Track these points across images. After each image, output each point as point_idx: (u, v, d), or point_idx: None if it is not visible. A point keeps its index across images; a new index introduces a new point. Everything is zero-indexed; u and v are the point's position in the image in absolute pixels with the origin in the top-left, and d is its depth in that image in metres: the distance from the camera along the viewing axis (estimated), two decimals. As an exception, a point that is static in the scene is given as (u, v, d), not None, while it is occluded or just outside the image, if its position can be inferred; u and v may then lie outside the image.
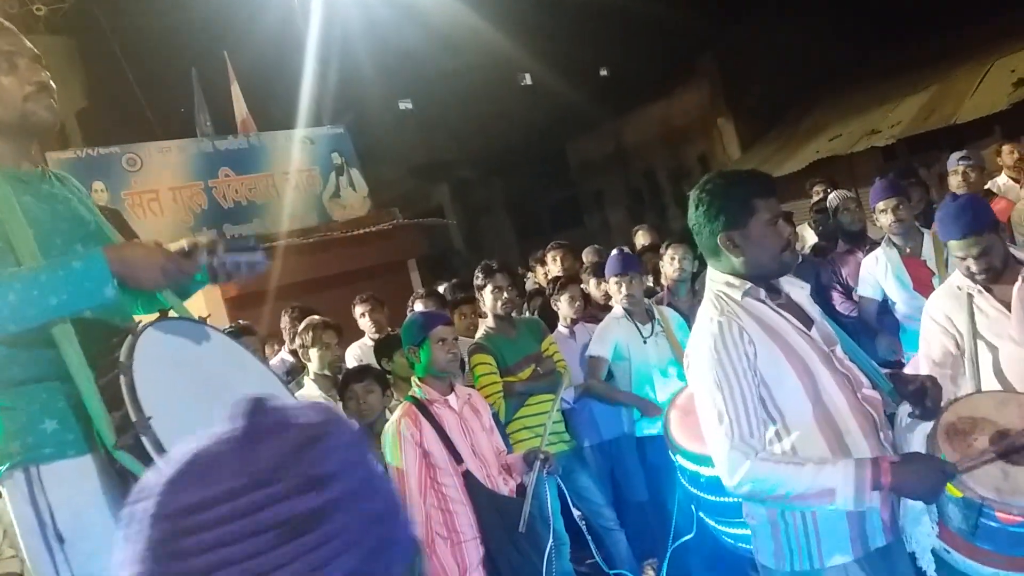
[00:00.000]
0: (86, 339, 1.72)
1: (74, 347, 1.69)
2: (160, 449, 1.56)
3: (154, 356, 1.69)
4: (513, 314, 4.38)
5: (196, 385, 1.80)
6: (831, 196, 5.40)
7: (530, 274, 7.43)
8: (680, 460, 2.96)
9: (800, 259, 5.07)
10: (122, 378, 1.60)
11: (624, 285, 4.25)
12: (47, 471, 1.71)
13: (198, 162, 8.30)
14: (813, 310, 2.16)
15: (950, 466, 1.88)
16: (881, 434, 2.04)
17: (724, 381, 1.96)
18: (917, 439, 1.98)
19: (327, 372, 4.00)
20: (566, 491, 3.64)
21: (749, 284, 2.06)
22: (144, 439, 1.56)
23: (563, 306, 4.61)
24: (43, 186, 1.87)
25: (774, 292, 2.13)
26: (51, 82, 1.86)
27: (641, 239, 6.54)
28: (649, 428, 4.07)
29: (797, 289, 2.17)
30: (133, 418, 1.57)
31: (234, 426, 0.69)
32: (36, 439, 1.72)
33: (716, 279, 2.13)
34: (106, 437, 1.61)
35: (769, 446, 2.01)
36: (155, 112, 10.97)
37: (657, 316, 4.31)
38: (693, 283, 4.81)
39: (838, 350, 2.10)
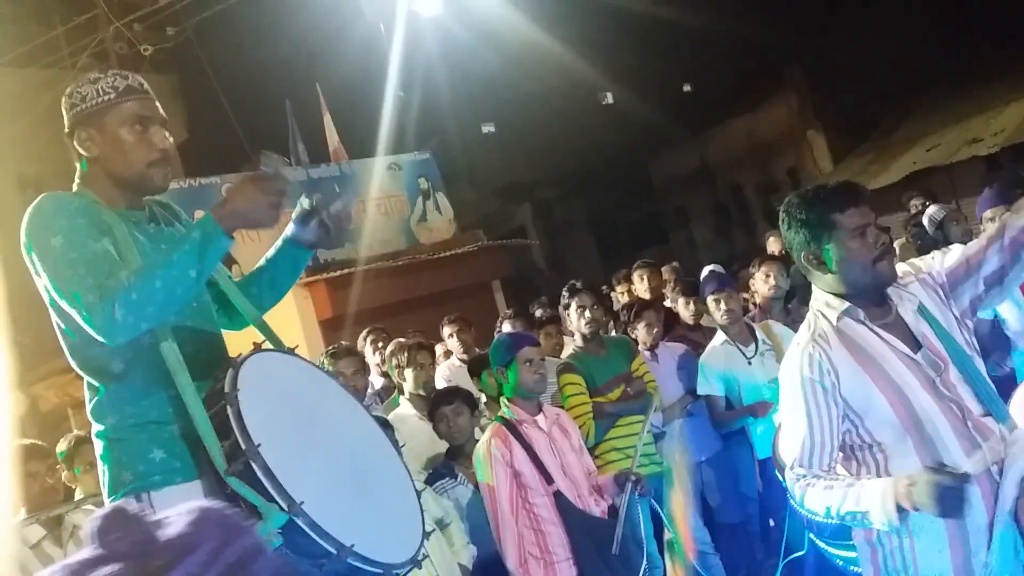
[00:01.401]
0: (192, 373, 1.81)
1: (187, 378, 1.79)
2: (269, 474, 1.63)
3: (255, 386, 1.76)
4: (602, 333, 4.37)
5: (293, 411, 1.88)
6: (932, 209, 5.20)
7: (613, 293, 7.37)
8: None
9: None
10: (229, 408, 1.68)
11: (723, 301, 4.19)
12: (158, 497, 1.81)
13: (293, 190, 8.47)
14: (925, 328, 2.01)
15: (957, 477, 1.74)
16: (994, 467, 1.91)
17: (796, 408, 2.00)
18: (1012, 475, 1.86)
19: (421, 392, 4.08)
20: (661, 513, 3.59)
21: (848, 305, 1.99)
22: (254, 465, 1.63)
23: (641, 333, 4.51)
24: (150, 227, 2.00)
25: (880, 309, 2.01)
26: (172, 150, 2.00)
27: (773, 245, 6.38)
28: (765, 451, 4.00)
29: (906, 306, 2.03)
30: (243, 446, 1.64)
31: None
32: (146, 467, 1.83)
33: (818, 298, 2.09)
34: (218, 464, 1.69)
35: (863, 466, 1.99)
36: (252, 143, 11.47)
37: (762, 335, 4.22)
38: (787, 301, 4.69)
39: (950, 374, 1.96)
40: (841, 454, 2.04)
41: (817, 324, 2.03)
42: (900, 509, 1.80)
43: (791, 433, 2.01)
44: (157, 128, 1.95)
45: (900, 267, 2.07)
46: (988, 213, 3.92)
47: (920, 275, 2.07)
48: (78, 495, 3.63)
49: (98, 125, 1.91)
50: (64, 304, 1.78)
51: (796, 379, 2.00)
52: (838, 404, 1.96)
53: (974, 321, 2.08)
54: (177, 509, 0.72)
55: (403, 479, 2.04)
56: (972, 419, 1.93)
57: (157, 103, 1.99)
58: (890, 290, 2.03)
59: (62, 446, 3.65)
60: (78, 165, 1.98)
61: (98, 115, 1.90)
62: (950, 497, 1.72)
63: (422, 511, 1.99)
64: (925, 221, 5.37)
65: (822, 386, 1.96)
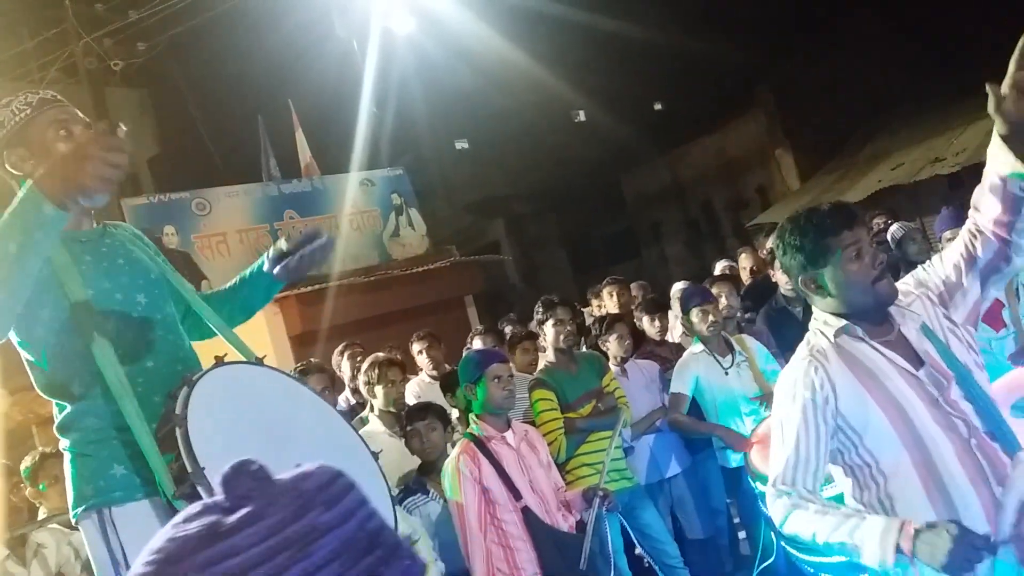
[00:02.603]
0: (148, 391, 1.82)
1: (133, 404, 1.78)
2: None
3: (209, 405, 1.75)
4: (573, 349, 4.40)
5: (255, 426, 1.86)
6: (894, 227, 5.31)
7: (587, 308, 7.43)
8: (760, 487, 2.95)
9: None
10: (177, 430, 1.68)
11: (710, 313, 4.25)
12: (118, 513, 1.82)
13: (264, 205, 8.59)
14: (927, 346, 1.97)
15: (980, 539, 1.69)
16: (996, 488, 1.85)
17: (786, 423, 1.97)
18: (1011, 500, 1.77)
19: (391, 409, 4.08)
20: (629, 528, 3.62)
21: (845, 323, 1.97)
22: (200, 488, 1.62)
23: (613, 345, 4.56)
24: (102, 245, 1.98)
25: (882, 327, 1.98)
26: None
27: (745, 261, 6.47)
28: (738, 459, 4.05)
29: (909, 324, 1.99)
30: (189, 469, 1.64)
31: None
32: (107, 483, 1.83)
33: (817, 317, 2.07)
34: (166, 487, 1.69)
35: (865, 490, 1.95)
36: (223, 158, 11.42)
37: (737, 347, 4.29)
38: (743, 322, 4.78)
39: (952, 391, 1.92)
40: (851, 480, 2.00)
41: (815, 341, 2.02)
42: (899, 551, 1.73)
43: (777, 448, 2.00)
44: (81, 129, 1.95)
45: (900, 285, 2.05)
46: (948, 234, 4.02)
47: (919, 290, 2.05)
48: (42, 512, 3.58)
49: (24, 141, 1.91)
50: None
51: (788, 394, 1.99)
52: (827, 422, 1.93)
53: (977, 326, 2.04)
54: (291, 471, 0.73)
55: (376, 486, 2.02)
56: (977, 436, 1.89)
57: (76, 110, 2.00)
58: (892, 309, 2.00)
59: (26, 462, 3.60)
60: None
61: (21, 132, 1.91)
62: (965, 558, 1.66)
63: (396, 519, 1.99)
64: (888, 239, 5.49)
65: (813, 402, 1.94)
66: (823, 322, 2.03)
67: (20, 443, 8.85)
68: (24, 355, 1.89)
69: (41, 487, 3.56)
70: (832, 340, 1.99)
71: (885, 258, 2.02)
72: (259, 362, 2.02)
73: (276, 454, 1.85)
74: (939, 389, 1.92)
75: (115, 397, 1.79)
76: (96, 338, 1.81)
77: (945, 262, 2.04)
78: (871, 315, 1.98)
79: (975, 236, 1.99)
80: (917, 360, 1.95)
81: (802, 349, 2.04)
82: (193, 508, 0.71)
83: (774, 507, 1.96)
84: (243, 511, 0.68)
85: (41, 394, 1.91)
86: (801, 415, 1.93)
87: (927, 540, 1.70)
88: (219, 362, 1.90)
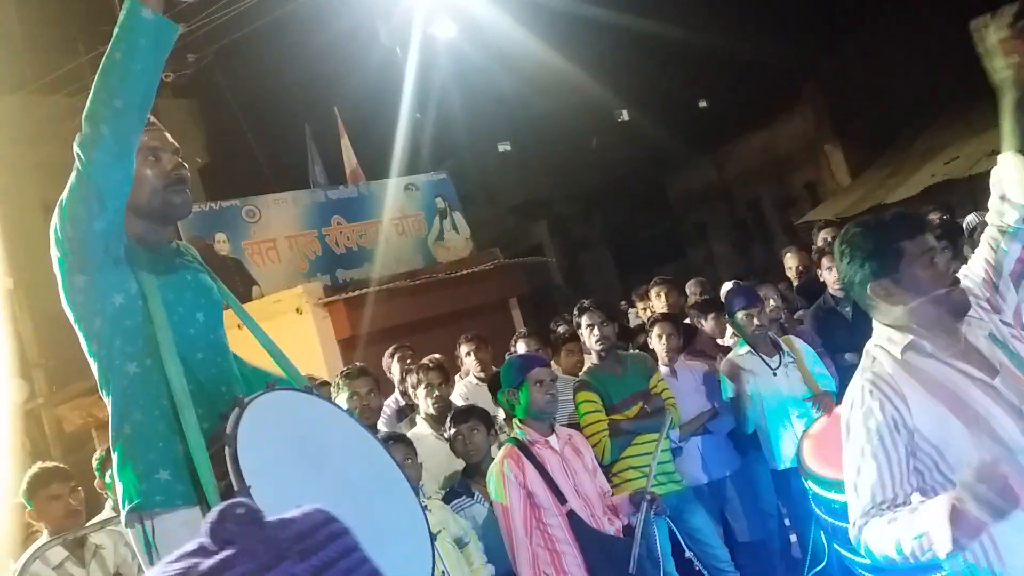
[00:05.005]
0: (199, 408, 1.85)
1: (193, 417, 1.82)
2: None
3: (259, 427, 1.80)
4: (616, 350, 4.37)
5: (298, 455, 1.89)
6: (969, 216, 5.20)
7: (632, 309, 7.38)
8: (812, 487, 2.90)
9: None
10: (227, 449, 1.72)
11: (755, 316, 4.20)
12: (158, 520, 1.86)
13: (312, 211, 8.73)
14: (999, 355, 1.86)
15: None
16: None
17: (855, 451, 1.85)
18: None
19: (433, 411, 4.10)
20: (677, 532, 3.58)
21: (911, 338, 1.85)
22: None
23: (654, 344, 4.55)
24: (175, 261, 2.06)
25: (950, 338, 1.86)
26: (188, 174, 2.05)
27: (790, 261, 6.37)
28: (786, 462, 4.02)
29: (976, 332, 1.89)
30: (236, 487, 1.68)
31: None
32: (150, 486, 1.86)
33: (879, 333, 1.94)
34: (213, 503, 1.73)
35: None
36: (271, 166, 11.63)
37: (785, 347, 4.23)
38: (786, 323, 4.71)
39: None
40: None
41: (876, 362, 1.89)
42: (956, 517, 1.56)
43: (860, 484, 1.83)
44: (169, 156, 2.02)
45: None
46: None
47: (971, 299, 1.93)
48: (107, 506, 3.70)
49: None
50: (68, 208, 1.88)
51: (853, 420, 1.86)
52: (898, 445, 1.79)
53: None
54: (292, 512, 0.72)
55: (414, 520, 2.03)
56: None
57: (166, 133, 2.05)
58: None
59: (97, 454, 3.77)
60: None
61: None
62: (1000, 488, 1.50)
63: (433, 551, 1.99)
64: (964, 228, 5.38)
65: (877, 430, 1.81)
66: (887, 339, 1.90)
67: (80, 447, 9.16)
68: (87, 350, 1.94)
69: (108, 480, 3.67)
70: (899, 357, 1.86)
71: (959, 267, 1.95)
72: (308, 390, 2.05)
73: (312, 482, 1.87)
74: (1020, 398, 1.80)
75: (178, 407, 1.82)
76: (165, 344, 1.86)
77: (977, 269, 1.98)
78: (942, 326, 1.86)
79: (998, 238, 1.97)
80: (991, 369, 1.84)
81: (859, 376, 1.91)
82: (187, 547, 0.70)
83: (860, 541, 1.81)
84: (219, 557, 0.67)
85: (101, 390, 1.96)
86: (867, 444, 1.82)
87: (967, 488, 1.54)
88: (270, 387, 1.93)
